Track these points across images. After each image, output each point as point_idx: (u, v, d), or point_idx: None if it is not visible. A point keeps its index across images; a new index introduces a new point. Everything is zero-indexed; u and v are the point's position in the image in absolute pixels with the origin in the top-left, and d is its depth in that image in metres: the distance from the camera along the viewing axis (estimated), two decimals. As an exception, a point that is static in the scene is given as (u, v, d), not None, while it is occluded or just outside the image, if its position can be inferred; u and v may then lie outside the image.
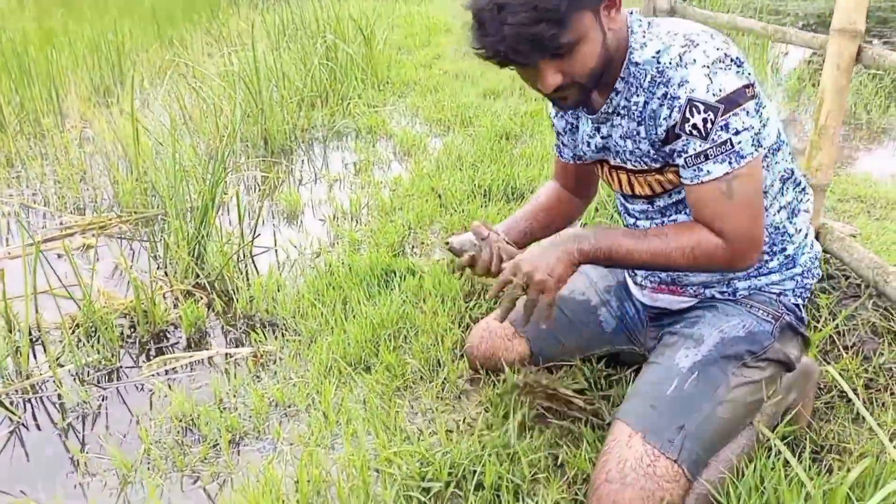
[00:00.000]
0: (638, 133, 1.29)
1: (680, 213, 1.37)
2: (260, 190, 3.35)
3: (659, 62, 1.21)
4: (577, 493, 1.39)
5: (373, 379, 1.77)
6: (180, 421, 1.69)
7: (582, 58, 1.18)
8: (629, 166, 1.35)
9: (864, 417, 1.51)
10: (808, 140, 2.00)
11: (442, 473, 1.40)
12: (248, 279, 2.40)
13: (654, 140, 1.26)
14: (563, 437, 1.53)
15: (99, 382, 1.90)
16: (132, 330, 2.14)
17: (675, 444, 1.21)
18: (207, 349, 2.03)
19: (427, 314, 2.02)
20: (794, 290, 1.40)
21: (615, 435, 1.25)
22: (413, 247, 2.60)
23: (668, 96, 1.20)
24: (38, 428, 1.73)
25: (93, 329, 2.07)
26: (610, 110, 1.32)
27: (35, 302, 2.07)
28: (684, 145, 1.20)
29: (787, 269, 1.39)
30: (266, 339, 2.03)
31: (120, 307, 2.17)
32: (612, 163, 1.40)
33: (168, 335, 2.12)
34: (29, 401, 1.83)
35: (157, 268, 2.48)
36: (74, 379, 1.91)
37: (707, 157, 1.19)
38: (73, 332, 2.07)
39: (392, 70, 5.48)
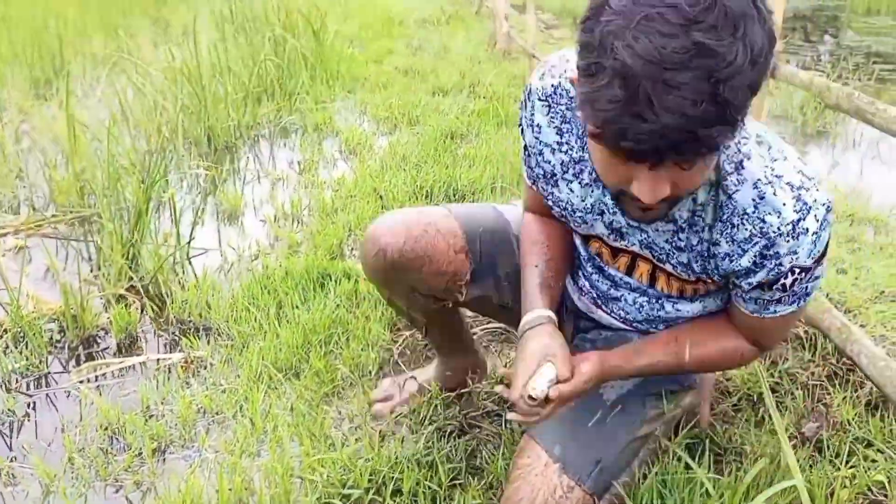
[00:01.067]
0: (692, 250, 1.13)
1: (670, 303, 1.26)
2: (201, 189, 3.32)
3: (763, 220, 1.03)
4: (493, 497, 1.44)
5: (301, 385, 1.80)
6: (106, 429, 1.69)
7: (702, 175, 0.93)
8: (667, 268, 1.19)
9: (765, 420, 1.59)
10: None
11: (362, 480, 1.43)
12: (182, 283, 2.40)
13: (709, 270, 1.14)
14: (483, 443, 1.58)
15: (27, 389, 1.89)
16: (62, 335, 2.12)
17: (592, 476, 1.21)
18: (138, 355, 2.03)
19: (360, 319, 2.05)
20: None
21: (530, 458, 1.22)
22: (352, 249, 2.62)
23: (768, 258, 1.06)
24: (-39, 436, 1.72)
25: (21, 335, 2.05)
26: (659, 216, 1.07)
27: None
28: (758, 285, 1.10)
29: None
30: (197, 344, 2.03)
31: (49, 311, 2.15)
32: (635, 251, 1.21)
33: (98, 340, 2.11)
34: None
35: (90, 270, 2.46)
36: (0, 386, 1.89)
37: (780, 302, 1.12)
38: (0, 337, 2.05)
39: (342, 65, 5.46)
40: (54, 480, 1.54)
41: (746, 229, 1.05)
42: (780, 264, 1.05)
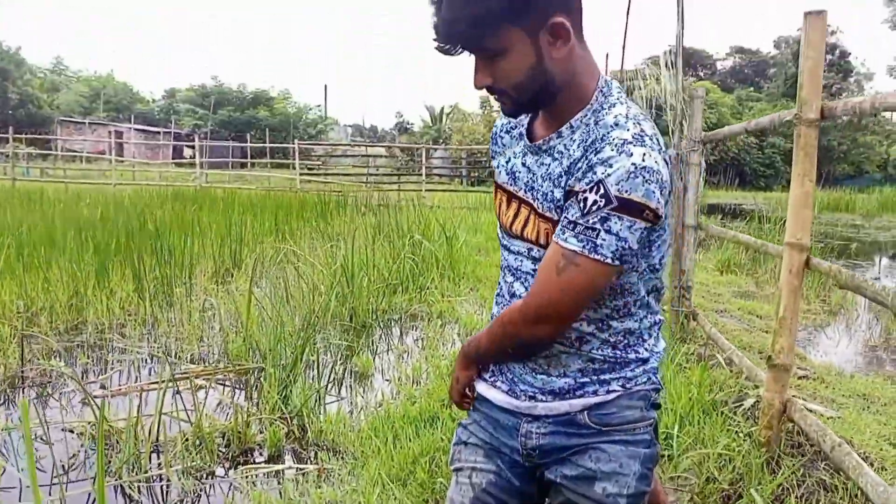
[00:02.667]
0: (560, 179, 1.33)
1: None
2: (342, 355, 3.99)
3: (609, 134, 1.26)
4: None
5: (408, 491, 2.25)
6: (256, 509, 2.20)
7: (506, 69, 1.27)
8: (535, 205, 1.38)
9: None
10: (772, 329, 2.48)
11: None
12: (321, 418, 2.96)
13: (562, 190, 1.32)
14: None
15: (200, 479, 2.45)
16: (227, 447, 2.71)
17: None
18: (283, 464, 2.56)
19: (459, 450, 2.50)
20: (649, 379, 1.51)
21: None
22: (459, 405, 3.11)
23: (591, 164, 1.25)
24: (152, 506, 2.28)
25: (198, 443, 2.66)
26: (545, 147, 1.36)
27: (159, 420, 2.69)
28: (569, 206, 1.27)
29: (643, 365, 1.51)
30: (329, 458, 2.55)
31: (220, 427, 2.76)
32: (520, 195, 1.43)
33: (254, 452, 2.68)
34: (148, 488, 2.39)
35: (253, 404, 3.08)
36: (181, 476, 2.46)
37: (573, 229, 1.25)
38: (184, 443, 2.66)
39: (468, 267, 6.25)
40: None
41: (596, 138, 1.27)
42: (593, 170, 1.23)
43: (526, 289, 1.45)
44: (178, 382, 3.15)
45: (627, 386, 1.48)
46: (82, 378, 3.45)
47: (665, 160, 1.26)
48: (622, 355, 1.46)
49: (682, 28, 3.97)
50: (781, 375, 2.45)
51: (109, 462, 2.51)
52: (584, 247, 1.24)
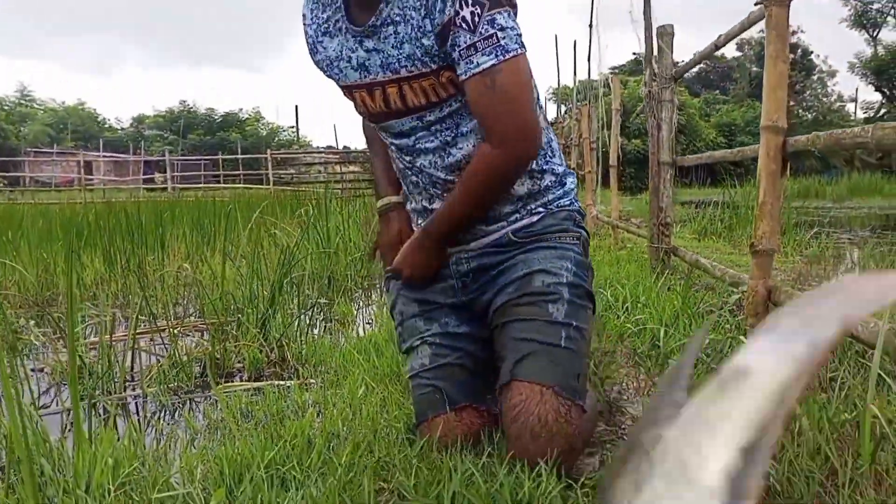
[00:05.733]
0: (420, 30, 1.33)
1: (447, 130, 1.44)
2: (322, 305, 3.91)
3: None
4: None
5: (392, 389, 2.18)
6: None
7: None
8: (403, 73, 1.38)
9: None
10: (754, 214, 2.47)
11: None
12: (302, 344, 2.88)
13: (428, 48, 1.33)
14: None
15: (179, 395, 2.37)
16: (204, 374, 2.62)
17: (578, 390, 1.42)
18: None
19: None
20: (571, 203, 1.58)
21: (523, 394, 1.37)
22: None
23: None
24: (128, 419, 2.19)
25: (176, 371, 2.57)
26: (378, 22, 1.36)
27: (133, 347, 2.60)
28: (455, 38, 1.28)
29: (561, 187, 1.59)
30: (311, 375, 2.47)
31: (198, 353, 2.67)
32: (379, 78, 1.42)
33: (233, 377, 2.59)
34: (124, 405, 2.30)
35: (231, 337, 3.00)
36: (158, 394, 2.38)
37: (476, 50, 1.27)
38: (160, 369, 2.57)
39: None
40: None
41: None
42: None
43: (441, 154, 1.46)
44: (153, 333, 3.05)
45: (549, 207, 1.56)
46: (54, 339, 3.34)
47: None
48: (540, 184, 1.53)
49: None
50: (765, 261, 2.43)
51: (83, 389, 2.41)
52: (496, 55, 1.26)
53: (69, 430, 1.97)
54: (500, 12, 1.27)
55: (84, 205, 9.63)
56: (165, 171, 18.65)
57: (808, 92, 38.28)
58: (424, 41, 1.32)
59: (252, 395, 2.36)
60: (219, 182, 27.82)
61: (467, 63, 1.28)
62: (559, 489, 1.36)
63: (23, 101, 49.04)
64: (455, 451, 1.47)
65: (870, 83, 33.16)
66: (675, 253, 3.96)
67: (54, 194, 24.22)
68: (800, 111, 35.13)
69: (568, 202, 1.58)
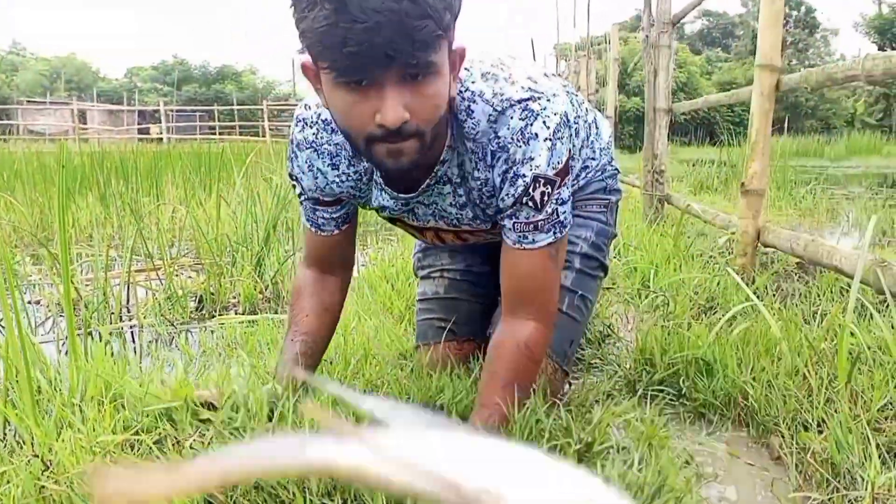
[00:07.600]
0: (472, 203, 1.24)
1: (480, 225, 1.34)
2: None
3: (498, 135, 1.12)
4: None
5: (386, 318, 2.22)
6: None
7: (434, 92, 0.99)
8: (455, 227, 1.33)
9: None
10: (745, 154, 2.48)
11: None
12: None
13: (498, 209, 1.22)
14: None
15: (175, 325, 2.40)
16: (200, 308, 2.65)
17: (568, 356, 1.47)
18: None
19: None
20: (604, 168, 1.58)
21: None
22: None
23: (513, 174, 1.13)
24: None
25: (171, 304, 2.60)
26: (433, 182, 1.21)
27: (129, 281, 2.63)
28: (516, 211, 1.17)
29: (598, 161, 1.57)
30: (305, 307, 2.50)
31: (194, 287, 2.70)
32: (430, 225, 1.35)
33: (228, 311, 2.62)
34: (120, 334, 2.34)
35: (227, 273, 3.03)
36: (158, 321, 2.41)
37: (537, 228, 1.17)
38: (156, 302, 2.60)
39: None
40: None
41: (490, 151, 1.13)
42: (522, 174, 1.12)
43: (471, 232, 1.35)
44: (149, 271, 3.08)
45: (579, 180, 1.53)
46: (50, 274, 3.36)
47: (545, 89, 1.13)
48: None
49: None
50: (755, 201, 2.45)
51: (78, 319, 2.44)
52: (554, 234, 1.19)
53: (65, 354, 2.00)
54: (565, 184, 1.16)
55: (79, 151, 9.59)
56: (160, 122, 18.39)
57: (811, 50, 37.88)
58: (489, 211, 1.24)
59: (247, 327, 2.40)
60: (215, 134, 27.68)
61: (521, 236, 1.19)
62: (545, 407, 1.40)
63: (14, 50, 48.31)
64: (446, 373, 1.51)
65: (873, 42, 32.77)
66: (669, 201, 3.97)
67: (49, 144, 24.13)
68: (801, 69, 34.69)
69: (601, 172, 1.57)
